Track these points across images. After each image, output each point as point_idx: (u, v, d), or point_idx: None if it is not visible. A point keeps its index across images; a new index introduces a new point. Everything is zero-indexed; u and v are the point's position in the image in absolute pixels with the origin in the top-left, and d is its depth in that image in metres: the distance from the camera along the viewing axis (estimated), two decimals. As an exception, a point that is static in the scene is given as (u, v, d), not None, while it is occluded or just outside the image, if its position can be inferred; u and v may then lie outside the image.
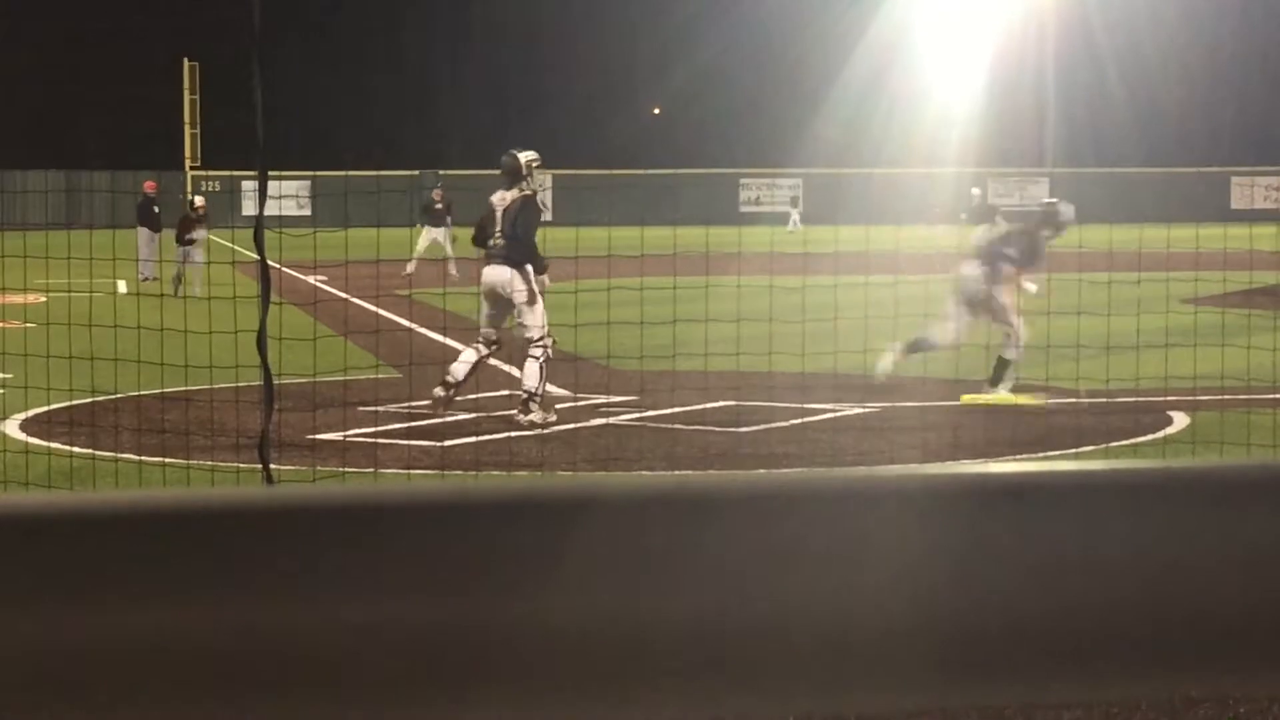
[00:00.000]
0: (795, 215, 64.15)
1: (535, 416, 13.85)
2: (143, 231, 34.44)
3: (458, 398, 14.29)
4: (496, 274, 14.33)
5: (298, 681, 1.47)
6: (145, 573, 1.45)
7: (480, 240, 14.69)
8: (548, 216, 15.00)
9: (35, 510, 1.50)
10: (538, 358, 14.01)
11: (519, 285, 14.15)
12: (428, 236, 35.58)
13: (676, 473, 11.33)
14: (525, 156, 14.67)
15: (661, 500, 1.48)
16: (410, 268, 32.92)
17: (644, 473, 11.51)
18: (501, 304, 14.40)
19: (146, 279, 29.95)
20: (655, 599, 1.45)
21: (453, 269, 32.66)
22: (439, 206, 36.63)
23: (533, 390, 13.93)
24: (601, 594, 1.45)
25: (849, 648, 1.44)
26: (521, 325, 14.12)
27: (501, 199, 14.56)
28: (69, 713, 1.45)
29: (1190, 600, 1.47)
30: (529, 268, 14.25)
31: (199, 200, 35.41)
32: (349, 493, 1.53)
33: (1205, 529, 1.49)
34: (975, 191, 49.97)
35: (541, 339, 14.02)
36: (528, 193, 14.55)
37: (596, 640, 1.43)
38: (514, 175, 14.55)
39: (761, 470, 11.52)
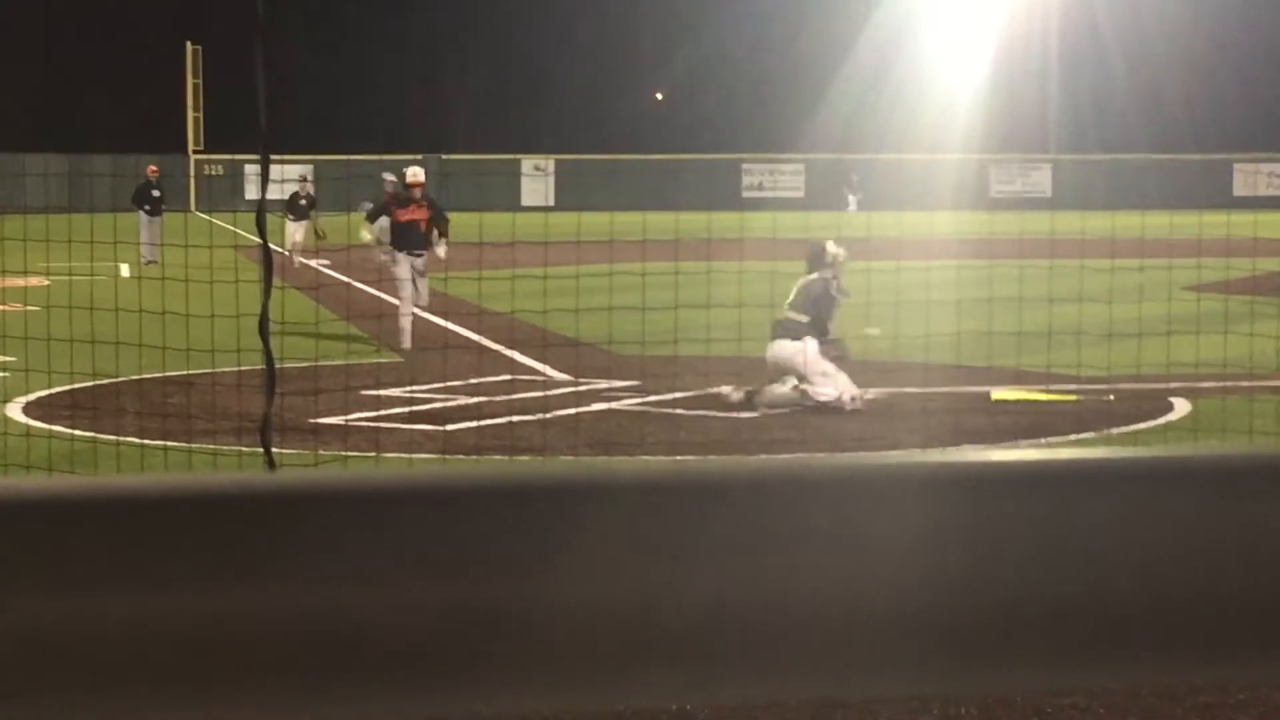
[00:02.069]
0: (853, 199, 61.19)
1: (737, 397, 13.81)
2: (142, 215, 34.37)
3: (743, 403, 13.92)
4: (781, 349, 14.08)
5: (300, 668, 1.47)
6: (142, 559, 1.44)
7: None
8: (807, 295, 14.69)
9: (28, 493, 1.50)
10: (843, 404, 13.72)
11: (808, 358, 13.89)
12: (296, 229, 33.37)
13: (679, 458, 11.33)
14: (832, 250, 14.63)
15: (665, 485, 1.48)
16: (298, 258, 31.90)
17: (647, 458, 11.52)
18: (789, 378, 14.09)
19: (149, 262, 29.90)
20: (659, 585, 1.45)
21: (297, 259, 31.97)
22: (303, 202, 34.98)
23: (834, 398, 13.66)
24: (606, 579, 1.45)
25: (854, 633, 1.44)
26: (816, 395, 13.72)
27: (806, 280, 14.46)
28: (64, 700, 1.44)
29: (1193, 588, 1.47)
30: (812, 339, 14.00)
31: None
32: (350, 477, 1.53)
33: (1209, 516, 1.49)
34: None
35: (841, 399, 13.66)
36: (829, 279, 14.47)
37: (600, 626, 1.43)
38: (817, 261, 14.57)
39: (764, 455, 11.52)
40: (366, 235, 21.46)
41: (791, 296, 14.45)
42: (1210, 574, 1.45)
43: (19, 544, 1.42)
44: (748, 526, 1.43)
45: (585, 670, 1.43)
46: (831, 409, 13.59)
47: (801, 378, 13.90)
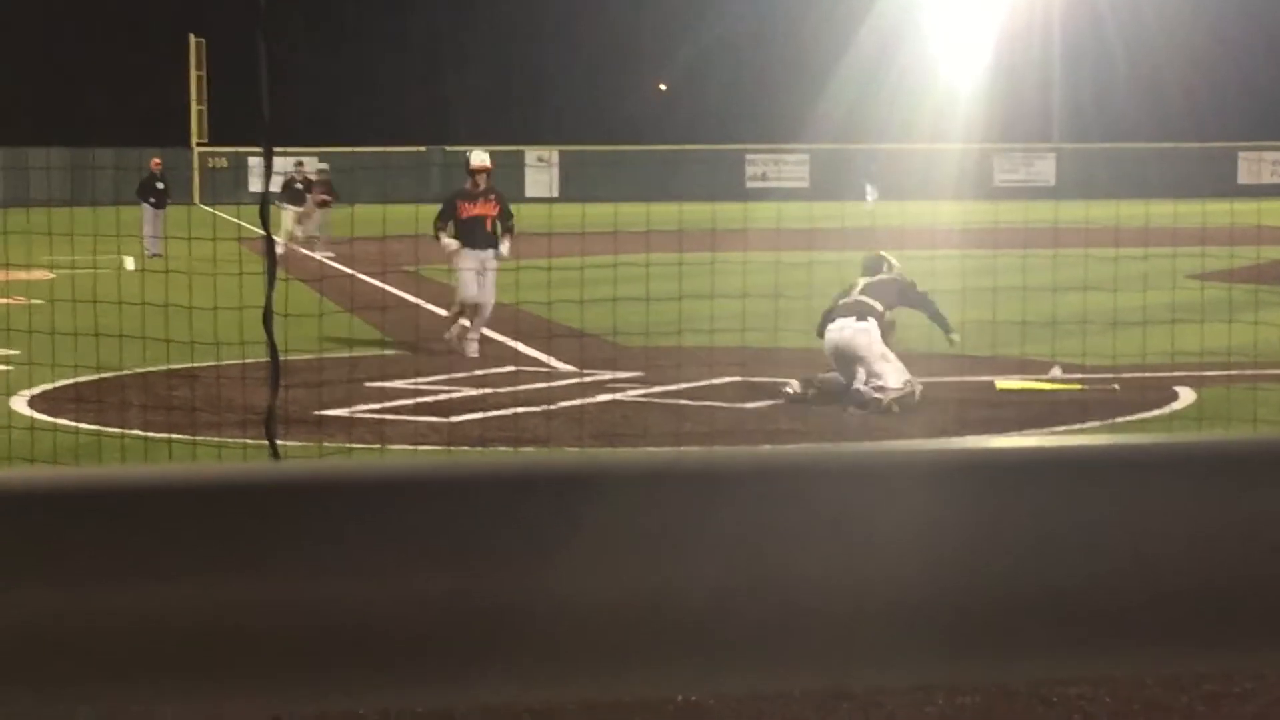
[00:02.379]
0: (871, 190, 59.14)
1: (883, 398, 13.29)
2: (146, 208, 34.41)
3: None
4: (844, 330, 13.76)
5: (303, 659, 1.47)
6: (144, 550, 1.44)
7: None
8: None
9: (30, 485, 1.50)
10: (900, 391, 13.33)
11: (872, 340, 13.61)
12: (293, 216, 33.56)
13: (683, 448, 11.33)
14: (892, 260, 14.53)
15: (668, 475, 1.47)
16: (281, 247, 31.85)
17: (650, 449, 11.52)
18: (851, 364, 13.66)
19: (154, 255, 29.90)
20: (663, 575, 1.45)
21: (281, 249, 31.69)
22: (299, 186, 34.17)
23: (888, 388, 13.28)
24: (609, 570, 1.45)
25: (858, 623, 1.44)
26: (883, 383, 13.33)
27: (881, 278, 14.25)
28: (69, 692, 1.45)
29: (1196, 576, 1.47)
30: (876, 324, 13.71)
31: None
32: (352, 468, 1.53)
33: (1212, 503, 1.48)
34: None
35: (909, 387, 13.34)
36: (897, 276, 14.30)
37: (604, 616, 1.43)
38: (877, 268, 14.44)
39: (768, 445, 11.52)
40: (449, 243, 17.86)
41: (861, 286, 14.21)
42: (1213, 561, 1.45)
43: (20, 535, 1.42)
44: (751, 516, 1.43)
45: (589, 661, 1.43)
46: (888, 401, 13.21)
47: (864, 361, 13.53)
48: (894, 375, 13.45)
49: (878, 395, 13.29)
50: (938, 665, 1.46)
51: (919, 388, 13.49)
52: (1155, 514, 1.48)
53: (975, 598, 1.45)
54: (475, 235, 17.74)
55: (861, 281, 14.40)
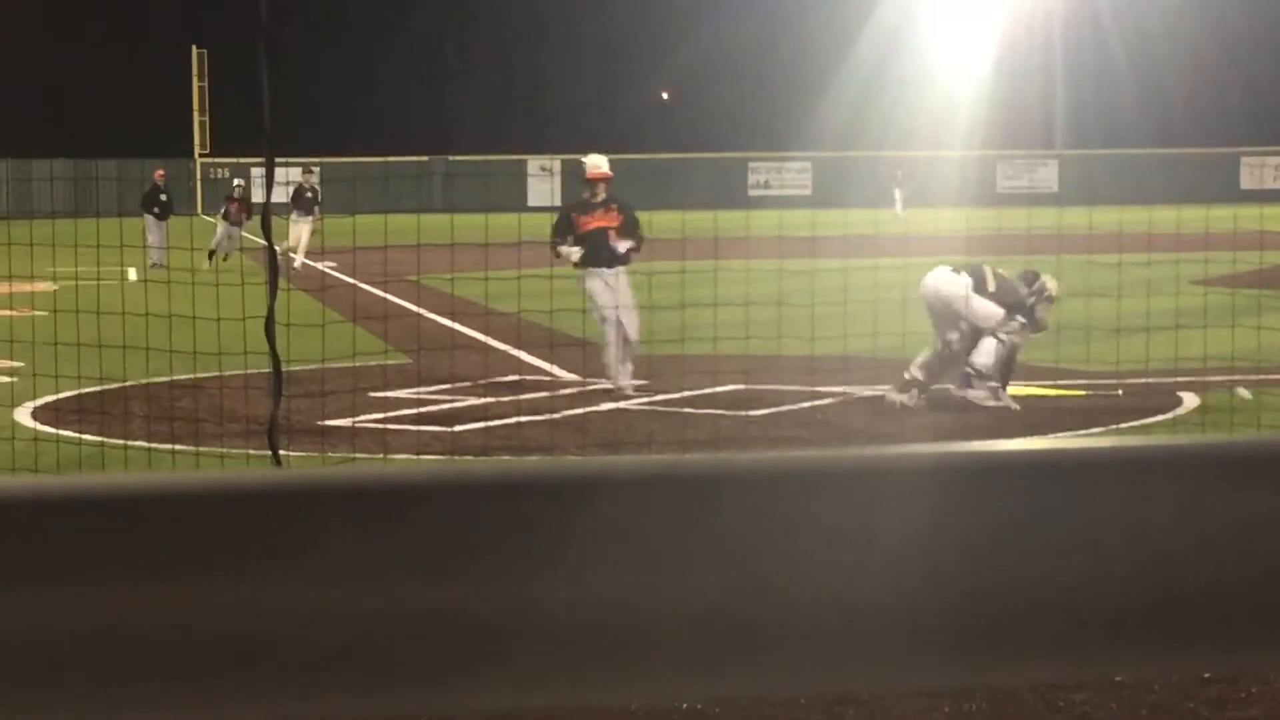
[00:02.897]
0: (899, 195, 57.62)
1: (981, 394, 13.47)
2: (149, 219, 34.46)
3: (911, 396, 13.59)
4: (942, 278, 13.79)
5: (299, 665, 1.46)
6: (144, 557, 1.44)
7: None
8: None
9: (34, 493, 1.49)
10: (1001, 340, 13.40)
11: (971, 298, 13.54)
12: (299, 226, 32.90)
13: (682, 456, 11.33)
14: (1050, 284, 14.09)
15: (666, 481, 1.47)
16: (298, 262, 31.54)
17: (647, 456, 11.51)
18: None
19: (156, 265, 29.89)
20: (663, 580, 1.44)
21: (297, 262, 31.03)
22: (309, 194, 33.62)
23: (981, 369, 13.38)
24: (608, 576, 1.44)
25: (860, 628, 1.44)
26: (973, 363, 13.43)
27: (1015, 282, 14.00)
28: (71, 698, 1.44)
29: (1201, 580, 1.47)
30: (972, 283, 13.60)
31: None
32: (347, 474, 1.52)
33: (1218, 506, 1.48)
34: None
35: (993, 385, 13.36)
36: (1030, 300, 13.90)
37: (604, 622, 1.42)
38: (1026, 284, 14.00)
39: (771, 451, 11.52)
40: (570, 251, 15.71)
41: (993, 271, 13.94)
42: (1220, 564, 1.45)
43: (25, 542, 1.41)
44: (750, 521, 1.42)
45: (592, 667, 1.42)
46: (977, 395, 13.33)
47: (959, 318, 13.43)
48: (985, 357, 13.34)
49: (981, 395, 13.35)
50: (941, 670, 1.46)
51: (1013, 404, 13.38)
52: (1160, 516, 1.47)
53: (978, 602, 1.44)
54: (599, 252, 15.46)
55: (993, 269, 14.08)
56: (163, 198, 35.33)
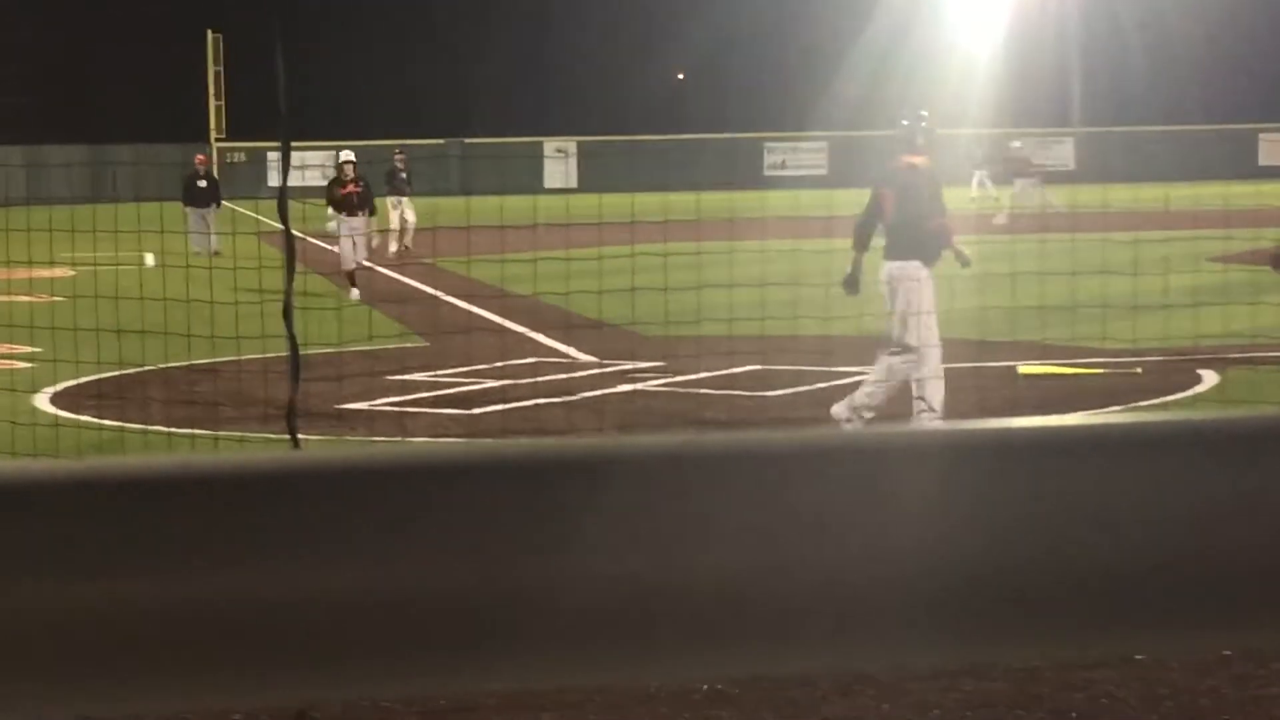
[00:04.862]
0: (981, 176, 54.89)
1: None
2: (188, 210, 33.78)
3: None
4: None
5: (327, 648, 1.46)
6: (158, 541, 1.44)
7: None
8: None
9: (42, 477, 1.50)
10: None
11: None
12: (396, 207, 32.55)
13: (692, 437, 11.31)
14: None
15: (684, 460, 1.47)
16: (394, 246, 31.50)
17: (660, 437, 11.49)
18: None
19: (199, 253, 29.45)
20: (681, 560, 1.44)
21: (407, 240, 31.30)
22: (404, 175, 33.17)
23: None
24: (627, 556, 1.44)
25: (872, 606, 1.44)
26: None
27: None
28: (83, 683, 1.45)
29: (1218, 557, 1.46)
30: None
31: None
32: (363, 456, 1.52)
33: (1232, 483, 1.48)
34: (1016, 145, 47.97)
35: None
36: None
37: (622, 602, 1.42)
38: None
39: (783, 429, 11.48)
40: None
41: None
42: (1237, 543, 1.44)
43: (41, 526, 1.42)
44: (767, 500, 1.42)
45: (611, 647, 1.43)
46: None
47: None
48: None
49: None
50: (955, 648, 1.46)
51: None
52: (1177, 494, 1.47)
53: (990, 580, 1.44)
54: (928, 242, 11.67)
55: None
56: (200, 184, 34.69)
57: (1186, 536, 1.45)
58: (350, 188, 22.78)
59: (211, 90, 68.80)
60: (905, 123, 12.03)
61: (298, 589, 1.45)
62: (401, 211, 32.15)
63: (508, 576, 1.43)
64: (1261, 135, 73.87)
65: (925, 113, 12.12)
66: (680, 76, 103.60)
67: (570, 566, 1.43)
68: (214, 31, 68.58)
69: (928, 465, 1.45)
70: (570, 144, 73.34)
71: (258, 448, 11.13)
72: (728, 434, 1.45)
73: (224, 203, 34.54)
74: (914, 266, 11.54)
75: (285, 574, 1.44)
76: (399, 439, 11.55)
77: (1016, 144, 49.38)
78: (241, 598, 1.44)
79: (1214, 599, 1.45)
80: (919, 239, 11.60)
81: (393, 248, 30.90)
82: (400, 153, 33.92)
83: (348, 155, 24.24)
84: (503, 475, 1.45)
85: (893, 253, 11.73)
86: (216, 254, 27.00)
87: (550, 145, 73.89)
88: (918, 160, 11.87)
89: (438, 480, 1.45)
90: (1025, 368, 14.46)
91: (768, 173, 70.71)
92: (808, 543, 1.43)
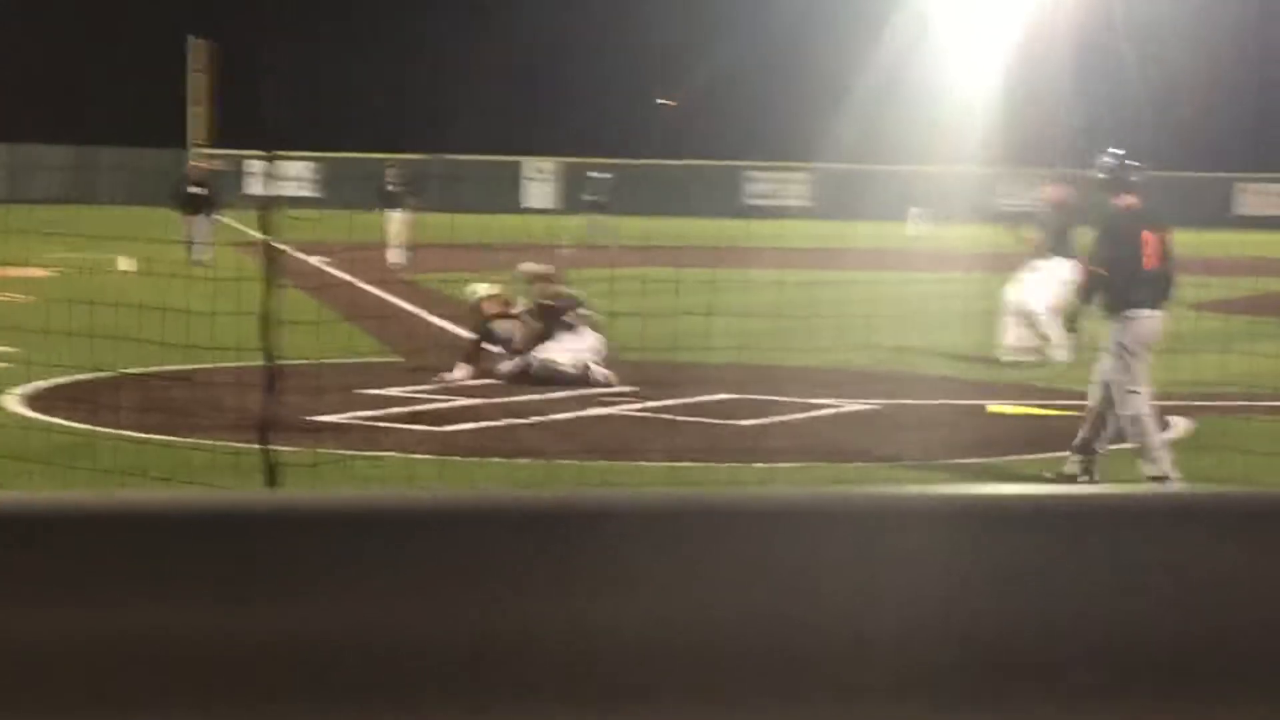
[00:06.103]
0: (918, 214, 52.73)
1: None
2: (189, 218, 33.35)
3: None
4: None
5: (295, 686, 1.46)
6: (147, 575, 1.44)
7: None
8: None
9: (33, 508, 1.49)
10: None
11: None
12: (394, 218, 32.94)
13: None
14: None
15: (680, 513, 1.47)
16: (395, 257, 31.61)
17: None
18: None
19: (197, 261, 29.02)
20: (674, 610, 1.44)
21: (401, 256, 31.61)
22: (390, 188, 33.27)
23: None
24: (620, 604, 1.44)
25: (866, 662, 1.44)
26: None
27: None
28: (62, 710, 1.44)
29: (1216, 625, 1.46)
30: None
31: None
32: (362, 500, 1.52)
33: (1228, 555, 1.48)
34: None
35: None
36: None
37: (613, 649, 1.42)
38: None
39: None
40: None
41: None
42: (1234, 612, 1.44)
43: (42, 557, 1.41)
44: (760, 556, 1.42)
45: (597, 692, 1.42)
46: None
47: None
48: None
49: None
50: (949, 702, 1.45)
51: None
52: (1173, 563, 1.47)
53: (988, 638, 1.44)
54: (1154, 285, 11.42)
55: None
56: (189, 190, 34.15)
57: (1193, 606, 1.46)
58: (500, 309, 16.45)
59: (191, 97, 68.65)
60: (1111, 162, 11.47)
61: (274, 626, 1.44)
62: (395, 224, 32.36)
63: (500, 621, 1.42)
64: (1236, 184, 74.29)
65: (1122, 151, 11.69)
66: (666, 102, 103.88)
67: (564, 614, 1.42)
68: (195, 38, 68.43)
69: (925, 528, 1.46)
70: (550, 164, 73.35)
71: (228, 458, 11.07)
72: (720, 492, 1.45)
73: (215, 216, 33.92)
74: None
75: (267, 612, 1.43)
76: (370, 454, 11.52)
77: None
78: (220, 634, 1.43)
79: (1219, 669, 1.45)
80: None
81: (392, 259, 31.06)
82: (392, 166, 34.36)
83: (485, 289, 16.98)
84: (496, 522, 1.45)
85: (1157, 300, 11.43)
86: (198, 263, 26.78)
87: (530, 165, 73.93)
88: (1133, 201, 11.44)
89: (420, 528, 1.45)
90: (994, 407, 14.50)
91: (751, 202, 70.82)
92: (800, 600, 1.43)
